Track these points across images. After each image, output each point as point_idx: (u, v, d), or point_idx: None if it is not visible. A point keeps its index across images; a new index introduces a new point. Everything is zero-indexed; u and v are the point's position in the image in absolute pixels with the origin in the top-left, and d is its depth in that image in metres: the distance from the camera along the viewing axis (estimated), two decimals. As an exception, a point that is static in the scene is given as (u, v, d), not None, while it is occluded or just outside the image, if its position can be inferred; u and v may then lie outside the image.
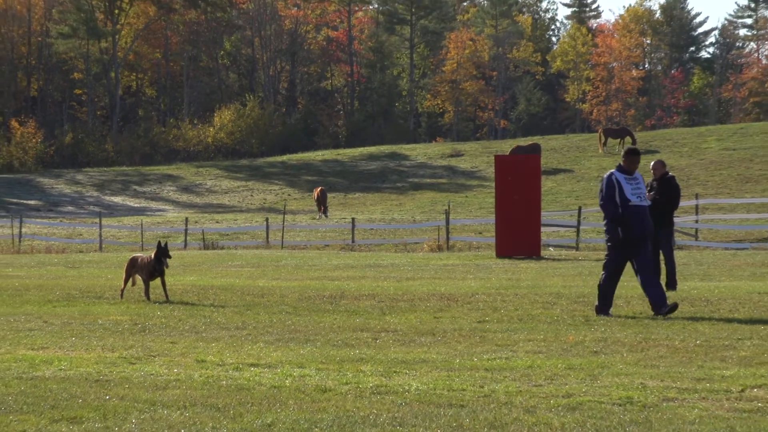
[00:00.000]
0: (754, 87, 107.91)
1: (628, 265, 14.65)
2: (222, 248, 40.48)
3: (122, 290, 17.98)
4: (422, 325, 13.92)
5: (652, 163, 18.87)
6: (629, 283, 16.21)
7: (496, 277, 22.09)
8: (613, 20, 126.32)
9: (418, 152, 78.35)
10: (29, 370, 10.48)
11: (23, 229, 46.42)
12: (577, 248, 37.33)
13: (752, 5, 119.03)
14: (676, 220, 27.96)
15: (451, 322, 14.12)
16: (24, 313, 15.74)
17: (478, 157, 72.67)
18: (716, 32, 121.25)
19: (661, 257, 18.12)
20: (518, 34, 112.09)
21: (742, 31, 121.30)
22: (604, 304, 14.61)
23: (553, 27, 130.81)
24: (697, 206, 42.28)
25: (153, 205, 66.51)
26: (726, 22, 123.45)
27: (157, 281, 17.60)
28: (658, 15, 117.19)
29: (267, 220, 45.27)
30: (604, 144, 68.01)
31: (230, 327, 13.89)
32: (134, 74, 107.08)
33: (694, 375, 9.74)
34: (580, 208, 40.79)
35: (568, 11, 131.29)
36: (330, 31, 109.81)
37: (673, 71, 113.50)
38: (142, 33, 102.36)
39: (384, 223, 48.67)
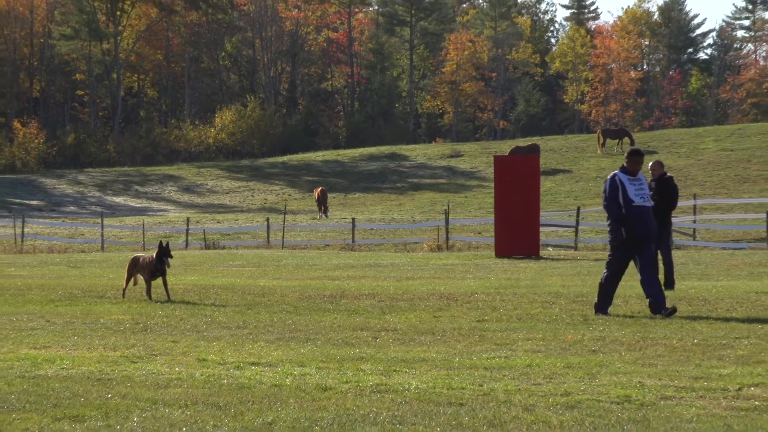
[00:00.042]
0: (752, 88, 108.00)
1: (631, 265, 14.71)
2: (223, 248, 40.51)
3: (124, 290, 18.03)
4: (422, 324, 13.95)
5: (650, 164, 18.92)
6: (627, 282, 16.25)
7: (495, 277, 22.10)
8: (611, 22, 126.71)
9: (418, 153, 78.38)
10: (32, 368, 10.50)
11: (26, 229, 46.46)
12: (575, 248, 37.37)
13: (750, 7, 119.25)
14: (674, 220, 28.12)
15: (451, 321, 14.15)
16: (26, 313, 15.76)
17: (478, 157, 72.70)
18: (714, 34, 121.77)
19: (660, 256, 18.16)
20: (517, 36, 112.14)
21: (740, 33, 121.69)
22: (603, 302, 14.67)
23: (552, 28, 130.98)
24: (695, 206, 42.37)
25: (154, 205, 66.55)
26: (724, 23, 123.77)
27: (159, 281, 17.62)
28: (656, 16, 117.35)
29: (268, 220, 45.32)
30: (603, 144, 68.04)
31: (231, 326, 13.91)
32: (136, 75, 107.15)
33: (692, 374, 9.76)
34: (578, 209, 40.84)
35: (567, 13, 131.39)
36: (330, 32, 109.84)
37: (671, 72, 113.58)
38: (144, 34, 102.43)
39: (384, 223, 48.70)
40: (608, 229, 14.72)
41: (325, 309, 15.94)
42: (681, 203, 31.78)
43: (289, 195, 65.77)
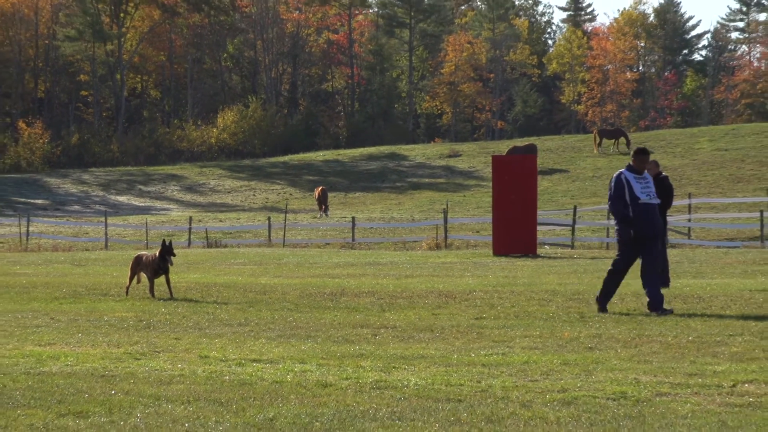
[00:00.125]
0: (746, 89, 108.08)
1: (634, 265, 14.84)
2: (225, 246, 40.54)
3: (127, 287, 18.08)
4: (421, 321, 13.99)
5: (645, 164, 19.00)
6: (625, 280, 16.30)
7: (493, 275, 22.08)
8: (607, 23, 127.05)
9: (417, 152, 78.39)
10: (36, 365, 10.56)
11: (30, 228, 46.47)
12: (572, 246, 37.44)
13: (744, 9, 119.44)
14: (669, 219, 28.15)
15: (449, 319, 14.19)
16: (31, 310, 15.81)
17: (476, 157, 72.70)
18: (709, 35, 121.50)
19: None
20: (515, 37, 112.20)
21: (734, 34, 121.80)
22: (604, 297, 14.76)
23: (549, 30, 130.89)
24: (689, 205, 42.49)
25: (157, 204, 66.59)
26: (718, 25, 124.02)
27: (162, 279, 17.69)
28: (651, 18, 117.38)
29: (269, 219, 45.38)
30: (599, 144, 68.08)
31: (233, 323, 13.95)
32: (139, 76, 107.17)
33: (687, 370, 9.81)
34: (575, 207, 40.89)
35: (564, 15, 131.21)
36: (331, 34, 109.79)
37: (666, 73, 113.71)
38: (147, 36, 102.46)
39: (383, 222, 48.73)
40: (615, 228, 14.85)
41: (325, 306, 15.98)
42: (676, 202, 31.73)
43: (290, 194, 65.81)
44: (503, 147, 69.82)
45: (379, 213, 54.27)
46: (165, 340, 12.46)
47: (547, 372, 9.88)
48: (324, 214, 52.18)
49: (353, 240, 41.92)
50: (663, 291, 15.29)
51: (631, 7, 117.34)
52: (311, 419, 7.98)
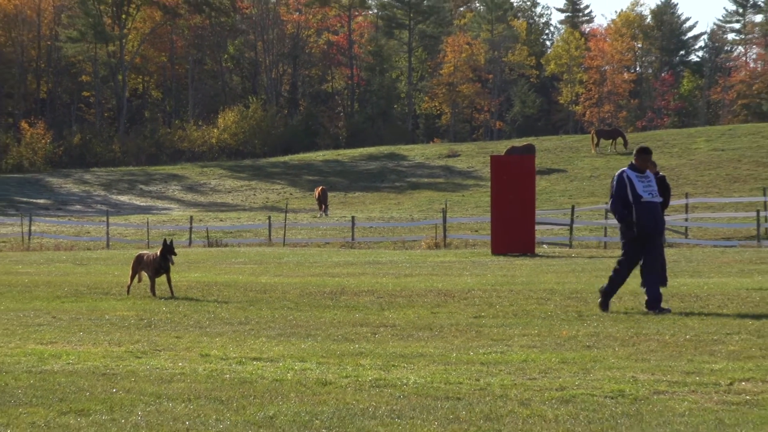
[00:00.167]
0: (742, 89, 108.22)
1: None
2: (226, 246, 40.56)
3: (129, 286, 18.10)
4: (420, 320, 14.01)
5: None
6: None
7: (491, 274, 22.10)
8: (605, 25, 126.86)
9: (416, 153, 78.39)
10: (38, 363, 10.59)
11: (32, 227, 46.48)
12: (570, 246, 37.48)
13: (740, 10, 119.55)
14: (666, 218, 28.18)
15: (448, 318, 14.21)
16: (33, 309, 15.84)
17: (475, 157, 72.71)
18: (705, 36, 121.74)
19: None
20: (513, 39, 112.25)
21: (731, 36, 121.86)
22: (607, 294, 14.81)
23: (547, 31, 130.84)
24: (686, 205, 42.59)
25: (159, 203, 66.60)
26: (715, 26, 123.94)
27: (163, 278, 17.70)
28: (648, 20, 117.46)
29: (269, 218, 45.43)
30: (597, 145, 68.11)
31: (233, 322, 13.98)
32: (140, 77, 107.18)
33: (684, 369, 9.84)
34: (573, 207, 40.89)
35: (562, 16, 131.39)
36: (331, 35, 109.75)
37: (663, 74, 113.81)
38: (149, 37, 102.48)
39: (383, 222, 48.76)
40: (618, 227, 14.94)
41: (325, 305, 16.00)
42: (673, 202, 31.89)
43: (291, 194, 65.84)
44: (502, 147, 69.79)
45: (378, 212, 54.31)
46: (166, 338, 12.48)
47: (546, 370, 9.90)
48: (324, 214, 52.23)
49: (353, 239, 41.96)
50: (661, 290, 15.34)
51: (628, 8, 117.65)
52: (311, 417, 8.00)
